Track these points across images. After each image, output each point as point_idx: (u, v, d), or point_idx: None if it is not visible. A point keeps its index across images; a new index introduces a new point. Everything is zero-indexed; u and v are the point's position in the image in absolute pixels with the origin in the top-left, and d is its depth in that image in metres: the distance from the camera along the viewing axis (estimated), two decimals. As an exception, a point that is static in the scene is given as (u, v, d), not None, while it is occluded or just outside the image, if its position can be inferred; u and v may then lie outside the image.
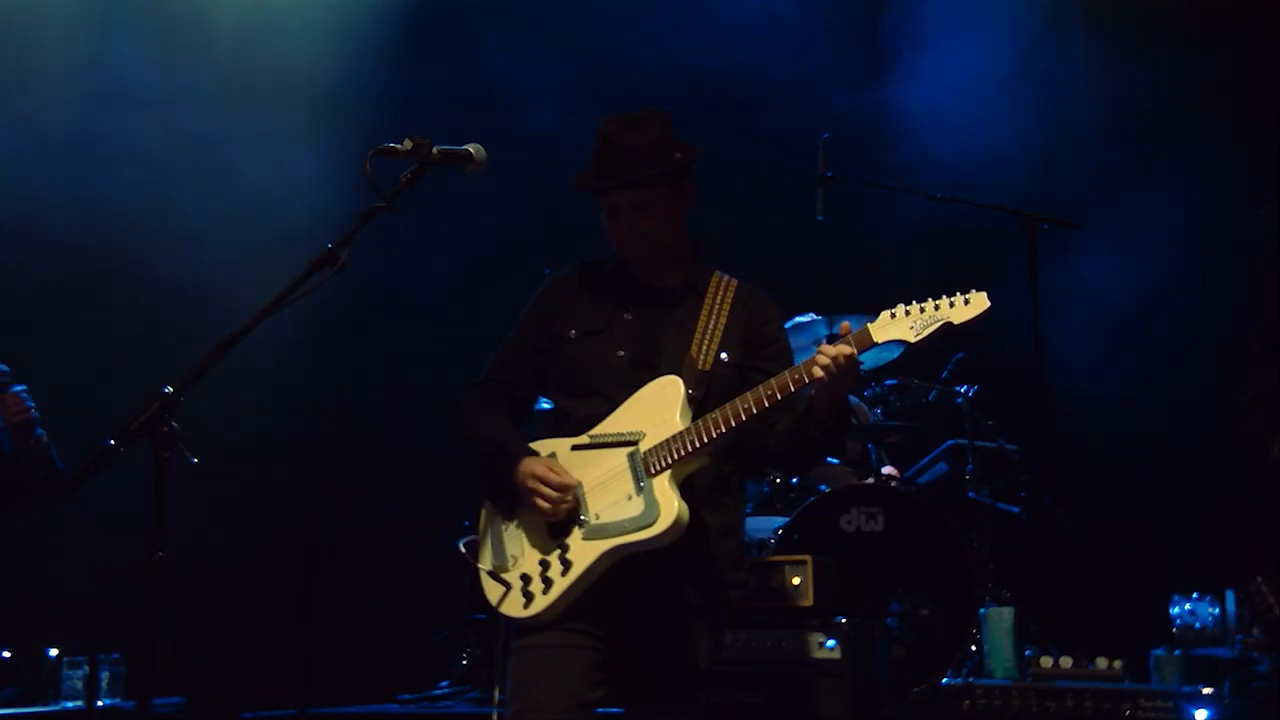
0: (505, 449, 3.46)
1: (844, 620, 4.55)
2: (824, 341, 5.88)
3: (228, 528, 6.62)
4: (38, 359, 6.25)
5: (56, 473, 5.64)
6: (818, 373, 3.17)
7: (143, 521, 2.90)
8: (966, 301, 3.14)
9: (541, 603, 3.34)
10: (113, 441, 2.88)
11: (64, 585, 5.74)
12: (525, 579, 3.38)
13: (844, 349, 3.16)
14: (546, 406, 3.79)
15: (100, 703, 5.17)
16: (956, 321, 3.14)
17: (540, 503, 3.33)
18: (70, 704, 5.22)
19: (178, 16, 7.06)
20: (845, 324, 3.24)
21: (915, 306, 3.19)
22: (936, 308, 3.16)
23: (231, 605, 6.69)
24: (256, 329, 3.02)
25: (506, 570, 3.43)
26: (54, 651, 5.34)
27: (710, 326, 3.50)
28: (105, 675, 5.26)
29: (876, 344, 3.20)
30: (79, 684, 5.24)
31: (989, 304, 3.12)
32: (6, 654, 5.35)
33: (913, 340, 3.18)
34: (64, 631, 5.47)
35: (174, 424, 2.92)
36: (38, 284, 6.68)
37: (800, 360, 3.32)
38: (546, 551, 3.38)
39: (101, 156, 6.87)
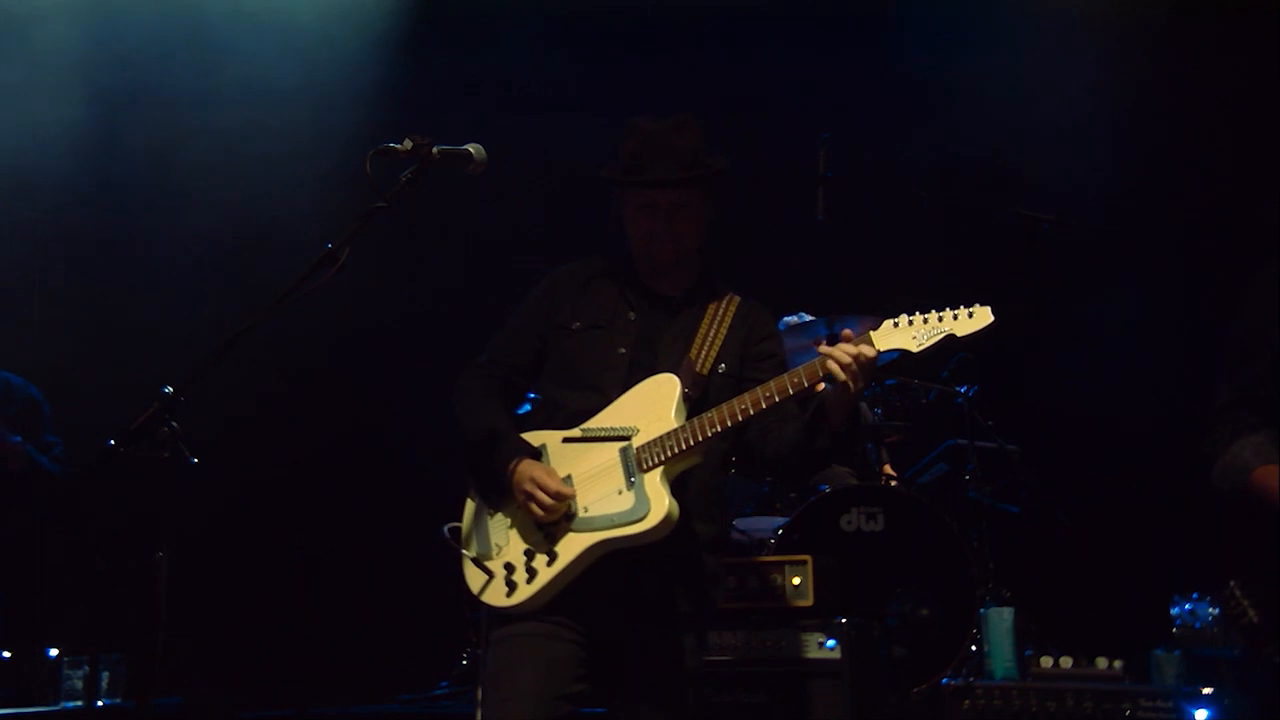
0: (500, 439, 3.45)
1: (844, 620, 4.55)
2: (824, 342, 5.90)
3: (227, 527, 6.62)
4: (39, 360, 6.29)
5: (48, 476, 5.68)
6: (837, 371, 3.15)
7: (143, 521, 2.90)
8: (971, 315, 3.13)
9: (524, 592, 3.33)
10: (114, 442, 2.89)
11: (64, 585, 5.74)
12: (509, 568, 3.37)
13: (866, 350, 3.14)
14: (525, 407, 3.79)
15: (100, 703, 5.17)
16: (960, 334, 3.12)
17: (534, 508, 3.32)
18: (70, 704, 5.22)
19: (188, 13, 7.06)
20: (847, 331, 3.23)
21: (919, 316, 3.17)
22: (940, 319, 3.15)
23: (232, 605, 6.69)
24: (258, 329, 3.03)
25: (490, 558, 3.42)
26: (54, 651, 5.33)
27: (710, 336, 3.51)
28: (105, 675, 5.26)
29: (879, 351, 3.18)
30: (79, 684, 5.24)
31: (993, 319, 3.11)
32: (6, 654, 5.34)
33: (915, 350, 3.16)
34: (64, 631, 5.47)
35: (174, 424, 2.93)
36: (40, 284, 6.68)
37: (796, 361, 3.32)
38: (532, 541, 3.37)
39: (107, 156, 6.87)
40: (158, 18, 7.02)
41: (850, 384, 3.15)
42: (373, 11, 7.38)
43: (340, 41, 7.27)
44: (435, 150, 3.27)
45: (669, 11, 7.32)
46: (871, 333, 3.20)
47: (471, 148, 3.33)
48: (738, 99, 7.20)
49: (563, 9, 7.37)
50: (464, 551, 3.47)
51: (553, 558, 3.32)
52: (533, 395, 3.74)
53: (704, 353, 3.48)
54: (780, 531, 5.51)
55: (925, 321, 3.16)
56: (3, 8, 6.81)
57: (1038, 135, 6.96)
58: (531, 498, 3.32)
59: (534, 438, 3.48)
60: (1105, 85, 6.94)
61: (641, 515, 3.23)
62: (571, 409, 3.47)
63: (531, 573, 3.33)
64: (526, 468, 3.36)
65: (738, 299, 3.63)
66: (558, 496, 3.31)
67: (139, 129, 6.94)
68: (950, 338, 3.13)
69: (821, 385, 3.24)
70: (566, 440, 3.43)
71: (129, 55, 6.96)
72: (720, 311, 3.57)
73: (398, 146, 3.23)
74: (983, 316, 3.13)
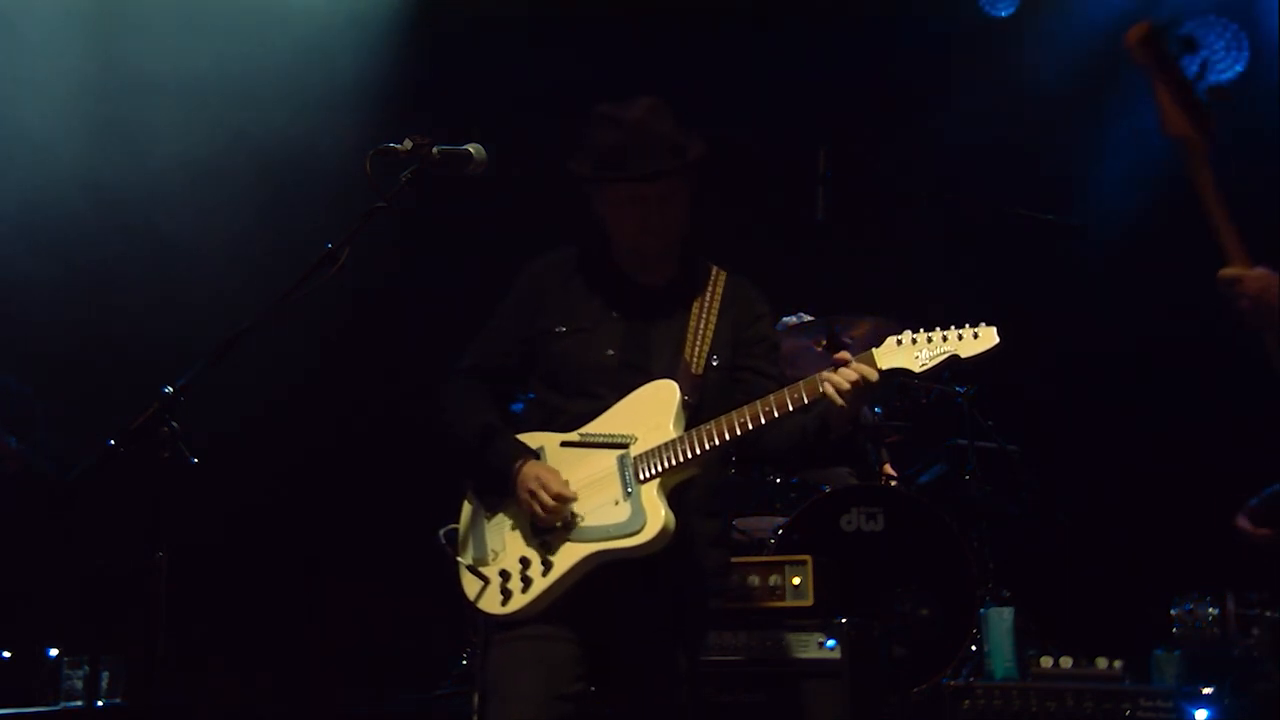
0: (499, 437, 3.43)
1: (844, 620, 4.55)
2: (824, 342, 5.90)
3: (227, 528, 6.62)
4: (39, 360, 6.28)
5: (45, 476, 5.68)
6: (835, 398, 3.12)
7: (143, 521, 2.90)
8: (976, 335, 3.11)
9: (519, 601, 3.32)
10: (114, 442, 2.89)
11: (64, 585, 5.73)
12: (504, 575, 3.35)
13: (867, 373, 3.11)
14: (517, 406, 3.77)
15: (100, 703, 5.17)
16: (964, 355, 3.11)
17: (536, 508, 3.30)
18: (70, 704, 5.21)
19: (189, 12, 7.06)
20: (844, 354, 3.20)
21: (923, 335, 3.14)
22: (945, 338, 3.12)
23: (231, 605, 6.69)
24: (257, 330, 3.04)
25: (486, 565, 3.40)
26: (54, 651, 5.33)
27: (701, 329, 3.46)
28: (105, 675, 5.26)
29: (881, 370, 3.14)
30: (79, 684, 5.24)
31: (998, 340, 3.09)
32: (6, 654, 5.34)
33: (917, 370, 3.13)
34: (64, 631, 5.47)
35: (174, 424, 2.92)
36: (40, 284, 6.68)
37: (796, 361, 3.32)
38: (528, 549, 3.35)
39: (106, 155, 6.86)
40: (156, 17, 7.01)
41: (848, 406, 3.14)
42: (373, 11, 7.38)
43: (340, 41, 7.27)
44: (435, 150, 3.27)
45: (668, 9, 7.32)
46: (874, 350, 3.17)
47: (471, 148, 3.33)
48: (737, 98, 7.20)
49: (561, 8, 7.37)
50: (459, 558, 3.45)
51: (548, 567, 3.30)
52: (531, 395, 3.71)
53: (697, 350, 3.44)
54: (780, 531, 5.50)
55: (929, 341, 3.13)
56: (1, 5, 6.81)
57: (1039, 134, 6.97)
58: (535, 497, 3.30)
59: (531, 439, 3.45)
60: (1104, 83, 6.95)
61: (638, 528, 3.21)
62: (568, 413, 3.44)
63: (527, 581, 3.31)
64: (531, 468, 3.35)
65: (724, 276, 3.57)
66: (559, 499, 3.29)
67: (138, 127, 6.93)
68: (954, 358, 3.11)
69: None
70: (564, 444, 3.40)
71: (129, 53, 6.95)
72: (708, 298, 3.51)
73: (398, 146, 3.23)
74: (988, 338, 3.11)
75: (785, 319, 6.08)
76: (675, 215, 3.46)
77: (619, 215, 3.47)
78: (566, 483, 3.33)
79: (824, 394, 3.14)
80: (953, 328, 3.13)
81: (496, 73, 7.34)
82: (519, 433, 3.48)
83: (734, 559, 4.83)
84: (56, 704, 5.20)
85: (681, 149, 3.43)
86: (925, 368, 3.13)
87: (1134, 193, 6.84)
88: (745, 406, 3.22)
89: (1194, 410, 6.45)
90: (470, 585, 3.42)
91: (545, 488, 3.29)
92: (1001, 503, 6.04)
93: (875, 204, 6.60)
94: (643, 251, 3.52)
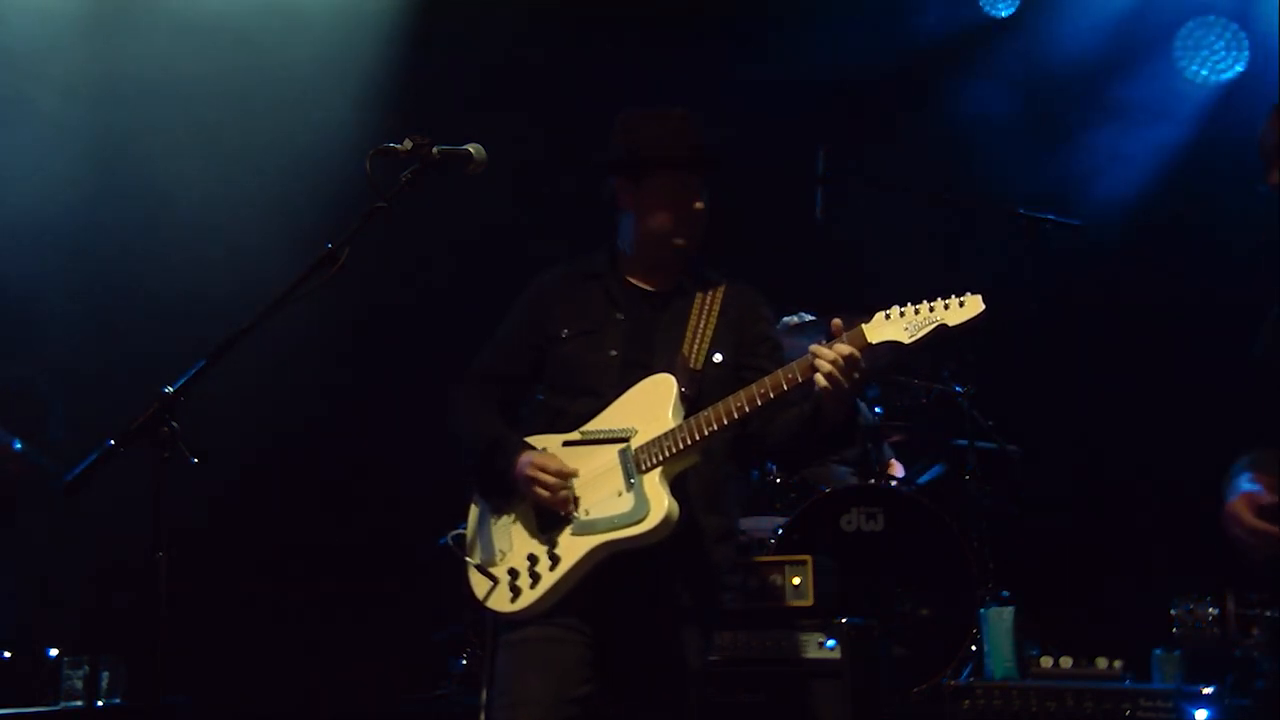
0: (501, 443, 3.46)
1: (844, 620, 4.55)
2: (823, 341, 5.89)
3: (228, 528, 6.62)
4: (39, 359, 6.28)
5: (49, 477, 5.68)
6: (820, 379, 3.13)
7: (143, 521, 2.90)
8: (962, 304, 3.11)
9: (528, 597, 3.34)
10: (114, 442, 2.89)
11: (64, 585, 5.74)
12: (513, 573, 3.38)
13: (843, 349, 3.13)
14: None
15: (100, 703, 5.17)
16: (951, 323, 3.10)
17: (539, 490, 3.32)
18: (70, 704, 5.21)
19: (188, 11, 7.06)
20: (837, 321, 3.22)
21: (910, 308, 3.15)
22: (931, 309, 3.12)
23: (233, 605, 6.69)
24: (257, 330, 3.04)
25: (494, 564, 3.43)
26: (54, 651, 5.33)
27: (701, 327, 3.50)
28: (105, 675, 5.26)
29: (871, 344, 3.16)
30: (79, 684, 5.24)
31: (984, 307, 3.09)
32: (6, 654, 5.34)
33: (907, 341, 3.14)
34: (64, 631, 5.47)
35: (174, 424, 2.93)
36: (41, 284, 6.68)
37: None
38: (535, 546, 3.38)
39: (108, 154, 6.87)
40: (159, 21, 7.01)
41: (825, 380, 3.13)
42: (373, 10, 7.37)
43: (341, 40, 7.27)
44: (435, 150, 3.27)
45: (668, 9, 7.32)
46: (864, 326, 3.19)
47: (471, 148, 3.33)
48: (737, 98, 7.20)
49: (561, 8, 7.37)
50: (468, 559, 3.48)
51: (555, 561, 3.32)
52: (538, 398, 3.74)
53: (696, 347, 3.48)
54: (780, 531, 5.51)
55: (917, 313, 3.14)
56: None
57: (1038, 134, 6.97)
58: (535, 481, 3.33)
59: (535, 442, 3.48)
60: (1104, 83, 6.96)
61: (641, 517, 3.23)
62: (571, 414, 3.48)
63: (535, 577, 3.34)
64: (528, 456, 3.39)
65: (724, 284, 3.61)
66: (560, 474, 3.32)
67: (140, 128, 6.93)
68: (942, 328, 3.11)
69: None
70: (566, 444, 3.44)
71: (132, 58, 6.95)
72: (708, 300, 3.55)
73: (398, 146, 3.24)
74: (974, 305, 3.10)
75: (785, 319, 6.08)
76: (701, 216, 3.54)
77: (660, 208, 3.52)
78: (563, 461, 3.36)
79: (815, 369, 3.15)
80: (939, 299, 3.13)
81: (496, 72, 7.34)
82: (525, 437, 3.51)
83: (735, 559, 4.84)
84: (56, 704, 5.19)
85: (712, 153, 3.55)
86: (915, 338, 3.12)
87: (1134, 192, 6.84)
88: (741, 390, 3.24)
89: (1195, 410, 6.45)
90: (479, 585, 3.45)
91: (544, 469, 3.33)
92: (1001, 503, 6.04)
93: (874, 204, 6.59)
94: (674, 247, 3.54)
